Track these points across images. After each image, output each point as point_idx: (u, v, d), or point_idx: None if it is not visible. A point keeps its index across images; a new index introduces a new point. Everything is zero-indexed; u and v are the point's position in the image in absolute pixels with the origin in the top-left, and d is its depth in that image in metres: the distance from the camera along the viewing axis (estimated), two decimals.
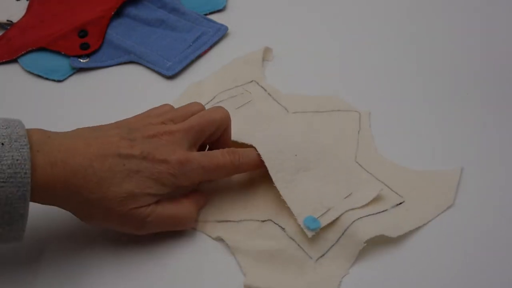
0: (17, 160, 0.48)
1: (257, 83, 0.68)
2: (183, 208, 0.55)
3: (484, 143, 0.61)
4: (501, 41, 0.71)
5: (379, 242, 0.54)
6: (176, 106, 0.61)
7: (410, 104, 0.65)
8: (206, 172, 0.55)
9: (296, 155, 0.58)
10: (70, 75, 0.72)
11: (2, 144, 0.48)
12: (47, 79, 0.72)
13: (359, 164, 0.60)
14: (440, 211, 0.56)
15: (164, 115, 0.57)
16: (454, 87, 0.67)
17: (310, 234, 0.53)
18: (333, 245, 0.53)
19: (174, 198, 0.55)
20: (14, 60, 0.74)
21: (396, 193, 0.57)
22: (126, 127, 0.55)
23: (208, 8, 0.78)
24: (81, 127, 0.66)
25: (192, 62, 0.72)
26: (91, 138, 0.53)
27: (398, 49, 0.72)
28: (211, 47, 0.74)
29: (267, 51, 0.72)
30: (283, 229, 0.55)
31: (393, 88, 0.67)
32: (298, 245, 0.54)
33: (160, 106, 0.59)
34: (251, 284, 0.52)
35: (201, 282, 0.53)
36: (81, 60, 0.73)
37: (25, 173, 0.48)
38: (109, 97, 0.70)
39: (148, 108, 0.66)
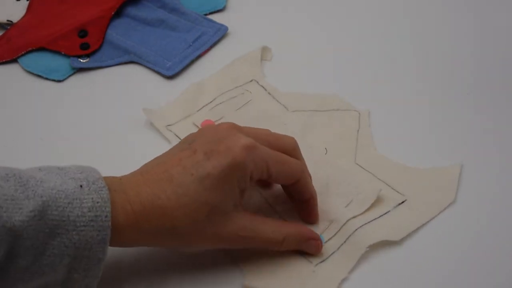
0: (97, 202, 0.46)
1: (257, 82, 0.68)
2: (273, 230, 0.52)
3: (483, 140, 0.61)
4: (501, 40, 0.71)
5: (381, 243, 0.54)
6: (175, 106, 0.61)
7: (410, 103, 0.65)
8: (274, 163, 0.51)
9: None
10: (70, 75, 0.72)
11: (81, 186, 0.46)
12: (47, 79, 0.72)
13: (359, 165, 0.60)
14: (442, 208, 0.56)
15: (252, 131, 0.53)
16: (453, 85, 0.67)
17: None
18: (334, 252, 0.54)
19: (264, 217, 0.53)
20: (14, 60, 0.74)
21: (398, 191, 0.57)
22: (188, 140, 0.52)
23: (208, 8, 0.78)
24: (81, 127, 0.67)
25: (192, 62, 0.72)
26: (156, 165, 0.51)
27: (397, 47, 0.72)
28: (211, 47, 0.74)
29: (265, 50, 0.72)
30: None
31: (393, 87, 0.67)
32: (299, 252, 0.54)
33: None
34: (251, 284, 0.52)
35: (201, 282, 0.53)
36: (81, 60, 0.73)
37: (106, 216, 0.46)
38: (109, 97, 0.70)
39: (147, 107, 0.66)
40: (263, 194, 0.58)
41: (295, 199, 0.55)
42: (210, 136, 0.51)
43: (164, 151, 0.56)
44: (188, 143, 0.52)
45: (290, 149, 0.54)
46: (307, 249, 0.53)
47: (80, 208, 0.45)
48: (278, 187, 0.57)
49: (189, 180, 0.48)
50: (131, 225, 0.48)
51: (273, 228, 0.52)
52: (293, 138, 0.55)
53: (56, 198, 0.45)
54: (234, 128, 0.52)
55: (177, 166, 0.49)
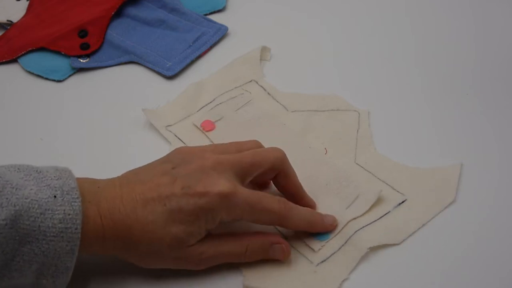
0: (68, 215, 0.47)
1: (257, 83, 0.68)
2: (234, 244, 0.52)
3: (483, 140, 0.61)
4: (500, 40, 0.71)
5: (381, 244, 0.54)
6: (175, 106, 0.61)
7: (409, 103, 0.65)
8: (251, 210, 0.51)
9: None
10: (70, 75, 0.72)
11: (55, 196, 0.47)
12: (47, 79, 0.72)
13: (359, 165, 0.60)
14: (442, 208, 0.56)
15: (219, 148, 0.54)
16: (453, 85, 0.67)
17: (319, 245, 0.54)
18: (335, 252, 0.54)
19: (224, 233, 0.53)
20: (14, 60, 0.74)
21: (398, 191, 0.57)
22: (174, 161, 0.52)
23: (208, 8, 0.78)
24: (81, 127, 0.67)
25: (192, 62, 0.72)
26: (136, 182, 0.51)
27: (397, 47, 0.72)
28: (211, 47, 0.74)
29: (264, 50, 0.72)
30: (286, 237, 0.55)
31: (393, 87, 0.67)
32: (300, 252, 0.54)
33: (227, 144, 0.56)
34: (251, 284, 0.52)
35: (201, 282, 0.53)
36: (81, 60, 0.73)
37: (76, 228, 0.47)
38: (109, 97, 0.70)
39: (147, 107, 0.66)
40: None
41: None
42: (193, 168, 0.51)
43: (164, 152, 0.56)
44: (171, 165, 0.52)
45: (278, 164, 0.54)
46: (273, 254, 0.53)
47: (52, 219, 0.46)
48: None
49: (161, 209, 0.49)
50: (99, 237, 0.49)
51: (234, 242, 0.52)
52: (280, 152, 0.54)
53: (29, 208, 0.46)
54: (219, 164, 0.51)
55: (153, 192, 0.50)
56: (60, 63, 0.73)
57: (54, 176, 0.48)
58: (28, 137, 0.66)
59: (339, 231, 0.54)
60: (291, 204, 0.53)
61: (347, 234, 0.54)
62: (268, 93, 0.67)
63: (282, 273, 0.53)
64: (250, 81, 0.68)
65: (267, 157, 0.53)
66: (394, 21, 0.75)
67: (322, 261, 0.53)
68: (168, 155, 0.54)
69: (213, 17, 0.77)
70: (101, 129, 0.67)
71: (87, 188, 0.49)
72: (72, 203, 0.47)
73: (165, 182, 0.50)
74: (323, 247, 0.54)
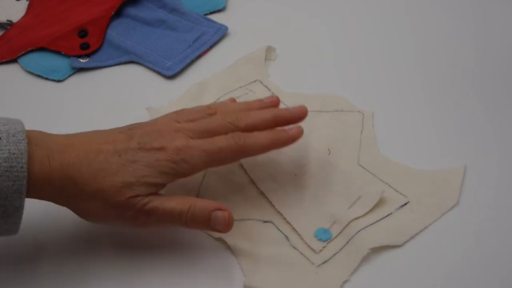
0: (13, 154, 0.48)
1: (261, 82, 0.68)
2: (178, 202, 0.52)
3: (487, 142, 0.61)
4: (501, 41, 0.71)
5: (383, 246, 0.54)
6: (178, 105, 0.61)
7: (413, 105, 0.65)
8: (209, 156, 0.52)
9: (296, 175, 0.59)
10: (70, 75, 0.72)
11: (0, 138, 0.48)
12: (47, 79, 0.72)
13: (362, 166, 0.60)
14: (445, 211, 0.56)
15: (182, 118, 0.55)
16: (456, 87, 0.67)
17: (320, 246, 0.54)
18: (336, 253, 0.54)
19: (172, 195, 0.53)
20: (14, 60, 0.74)
21: (401, 193, 0.57)
22: (129, 125, 0.55)
23: (208, 8, 0.78)
24: (81, 127, 0.66)
25: (192, 62, 0.72)
26: (90, 135, 0.53)
27: (401, 49, 0.72)
28: (211, 47, 0.74)
29: (269, 50, 0.72)
30: (287, 237, 0.55)
31: (396, 88, 0.67)
32: (301, 253, 0.54)
33: (194, 110, 0.57)
34: (251, 284, 0.52)
35: (201, 282, 0.53)
36: (81, 60, 0.73)
37: (22, 167, 0.48)
38: (109, 97, 0.70)
39: (147, 108, 0.66)
40: (248, 174, 0.59)
41: None
42: (150, 128, 0.53)
43: None
44: (128, 128, 0.54)
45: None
46: (215, 222, 0.52)
47: None
48: (265, 166, 0.58)
49: (115, 160, 0.51)
50: (46, 180, 0.50)
51: (178, 200, 0.52)
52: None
53: None
54: (174, 121, 0.54)
55: (109, 144, 0.52)
56: (60, 63, 0.73)
57: (2, 123, 0.49)
58: None
59: (341, 231, 0.55)
60: (244, 134, 0.54)
61: (349, 235, 0.54)
62: (273, 93, 0.67)
63: (283, 274, 0.53)
64: (255, 81, 0.68)
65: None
66: (395, 22, 0.75)
67: (323, 262, 0.53)
68: (130, 125, 0.55)
69: (213, 17, 0.77)
70: (101, 129, 0.66)
71: (37, 135, 0.51)
72: (18, 144, 0.48)
73: (121, 138, 0.52)
74: (324, 248, 0.54)
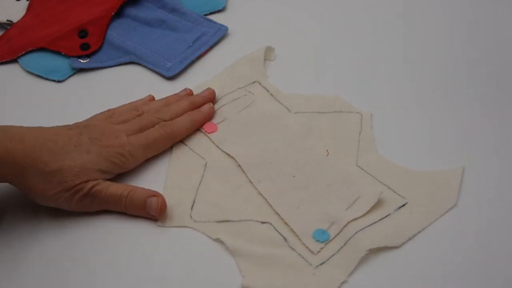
0: None
1: (260, 84, 0.68)
2: (120, 187, 0.58)
3: (485, 143, 0.61)
4: (501, 41, 0.71)
5: (381, 247, 0.54)
6: None
7: (412, 106, 0.65)
8: (146, 147, 0.61)
9: (294, 176, 0.59)
10: (70, 75, 0.72)
11: None
12: (47, 79, 0.72)
13: (360, 167, 0.60)
14: (443, 212, 0.56)
15: (115, 119, 0.62)
16: (455, 88, 0.67)
17: (318, 247, 0.54)
18: (334, 254, 0.54)
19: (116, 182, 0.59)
20: (14, 60, 0.74)
21: (399, 194, 0.57)
22: (74, 124, 0.61)
23: (208, 8, 0.78)
24: None
25: (192, 62, 0.72)
26: (43, 129, 0.58)
27: (400, 50, 0.72)
28: (211, 48, 0.74)
29: (268, 50, 0.71)
30: (285, 238, 0.55)
31: (395, 89, 0.67)
32: (299, 254, 0.54)
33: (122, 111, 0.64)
34: (249, 285, 0.52)
35: (199, 282, 0.53)
36: (81, 61, 0.73)
37: None
38: (109, 97, 0.69)
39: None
40: (246, 174, 0.60)
41: None
42: (97, 128, 0.60)
43: (166, 153, 0.59)
44: (75, 126, 0.60)
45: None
46: (149, 207, 0.57)
47: None
48: (263, 167, 0.59)
49: (72, 149, 0.57)
50: (8, 158, 0.54)
51: (120, 186, 0.58)
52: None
53: None
54: (110, 123, 0.61)
55: (64, 137, 0.58)
56: (60, 63, 0.73)
57: None
58: None
59: (339, 232, 0.55)
60: (169, 123, 0.63)
61: (347, 236, 0.54)
62: (271, 94, 0.67)
63: (281, 275, 0.53)
64: (254, 82, 0.68)
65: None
66: (395, 22, 0.75)
67: (321, 263, 0.53)
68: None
69: (213, 17, 0.77)
70: None
71: None
72: None
73: (73, 134, 0.59)
74: (322, 249, 0.54)
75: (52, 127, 0.59)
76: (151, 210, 0.57)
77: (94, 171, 0.57)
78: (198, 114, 0.64)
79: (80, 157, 0.57)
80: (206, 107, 0.65)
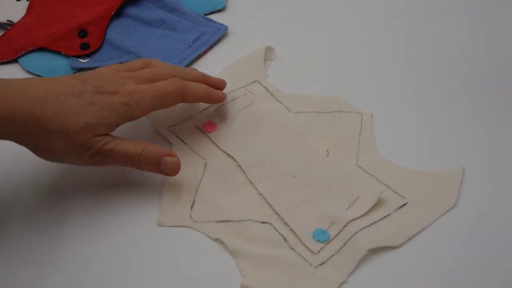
0: None
1: (260, 83, 0.68)
2: (137, 149, 0.57)
3: (486, 144, 0.61)
4: (502, 41, 0.71)
5: (381, 247, 0.54)
6: (177, 107, 0.62)
7: (412, 106, 0.65)
8: (155, 99, 0.58)
9: (294, 176, 0.59)
10: None
11: None
12: None
13: (360, 167, 0.60)
14: (443, 212, 0.56)
15: (123, 68, 0.60)
16: (456, 88, 0.67)
17: (318, 247, 0.54)
18: (334, 254, 0.54)
19: (126, 137, 0.58)
20: (14, 60, 0.74)
21: (399, 194, 0.57)
22: (78, 73, 0.57)
23: (208, 8, 0.78)
24: None
25: (192, 62, 0.72)
26: (44, 79, 0.56)
27: (401, 50, 0.71)
28: (211, 47, 0.74)
29: (269, 50, 0.71)
30: (285, 238, 0.55)
31: (395, 89, 0.67)
32: (299, 254, 0.54)
33: (130, 63, 0.62)
34: (249, 285, 0.52)
35: (199, 282, 0.53)
36: (81, 60, 0.73)
37: None
38: None
39: None
40: (246, 174, 0.60)
41: None
42: (102, 76, 0.57)
43: None
44: (78, 74, 0.58)
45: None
46: (165, 165, 0.57)
47: None
48: (263, 167, 0.59)
49: (74, 101, 0.54)
50: (10, 117, 0.52)
51: (132, 143, 0.57)
52: (169, 67, 0.62)
53: None
54: (116, 71, 0.58)
55: (66, 87, 0.55)
56: (60, 63, 0.73)
57: None
58: None
59: (339, 232, 0.55)
60: (185, 81, 0.60)
61: (347, 235, 0.54)
62: (271, 94, 0.67)
63: (281, 275, 0.53)
64: (254, 81, 0.68)
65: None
66: (395, 22, 0.75)
67: (321, 264, 0.53)
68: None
69: (213, 17, 0.77)
70: None
71: None
72: None
73: (75, 82, 0.56)
74: (322, 249, 0.54)
75: (56, 77, 0.57)
76: (166, 169, 0.57)
77: (100, 125, 0.55)
78: (213, 92, 0.63)
79: (83, 110, 0.54)
80: (220, 92, 0.64)
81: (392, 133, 0.63)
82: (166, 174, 0.58)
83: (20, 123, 0.53)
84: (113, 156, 0.56)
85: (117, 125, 0.57)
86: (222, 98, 0.63)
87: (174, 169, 0.57)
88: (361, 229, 0.54)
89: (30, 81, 0.55)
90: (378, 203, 0.56)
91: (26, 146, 0.55)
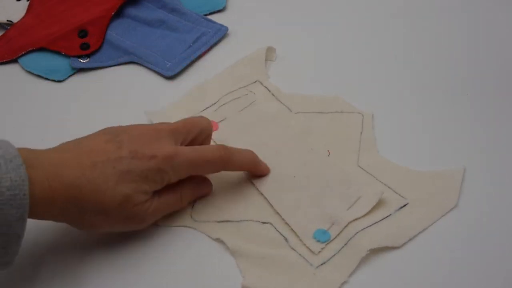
0: (15, 181, 0.47)
1: (261, 83, 0.68)
2: (176, 196, 0.56)
3: (486, 144, 0.61)
4: (501, 41, 0.71)
5: (381, 247, 0.54)
6: (178, 107, 0.62)
7: (413, 106, 0.65)
8: (194, 166, 0.55)
9: (295, 176, 0.59)
10: (70, 75, 0.72)
11: None
12: (47, 79, 0.72)
13: (361, 168, 0.59)
14: (444, 212, 0.56)
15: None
16: (456, 88, 0.67)
17: (319, 247, 0.54)
18: (335, 254, 0.54)
19: (169, 188, 0.55)
20: (14, 60, 0.74)
21: (400, 195, 0.57)
22: (113, 132, 0.54)
23: (208, 8, 0.78)
24: (81, 127, 0.67)
25: (192, 62, 0.72)
26: (77, 149, 0.53)
27: (401, 50, 0.71)
28: (211, 48, 0.74)
29: (270, 50, 0.71)
30: (285, 238, 0.55)
31: (396, 90, 0.67)
32: (300, 254, 0.54)
33: None
34: (250, 285, 0.52)
35: (199, 282, 0.53)
36: (81, 61, 0.73)
37: (24, 194, 0.47)
38: (109, 97, 0.70)
39: (147, 109, 0.66)
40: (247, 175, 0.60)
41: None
42: (137, 135, 0.54)
43: None
44: (114, 135, 0.54)
45: (207, 128, 0.58)
46: (201, 192, 0.58)
47: None
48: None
49: (110, 171, 0.51)
50: (48, 201, 0.49)
51: (169, 193, 0.55)
52: (207, 120, 0.59)
53: None
54: (158, 131, 0.55)
55: (101, 156, 0.52)
56: (60, 63, 0.73)
57: None
58: (29, 137, 0.66)
59: (340, 232, 0.55)
60: (230, 148, 0.56)
61: (348, 236, 0.54)
62: (272, 94, 0.67)
63: (282, 275, 0.53)
64: (255, 81, 0.68)
65: (199, 121, 0.57)
66: (395, 23, 0.75)
67: (322, 264, 0.53)
68: (104, 130, 0.55)
69: (213, 17, 0.77)
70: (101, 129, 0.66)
71: (28, 155, 0.49)
72: (17, 170, 0.47)
73: (111, 149, 0.52)
74: (323, 250, 0.54)
75: (90, 139, 0.54)
76: (202, 194, 0.58)
77: (137, 196, 0.52)
78: (259, 163, 0.59)
79: (120, 181, 0.51)
80: (267, 167, 0.60)
81: (393, 133, 0.63)
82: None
83: (59, 206, 0.50)
84: (158, 214, 0.55)
85: (154, 191, 0.54)
86: (266, 172, 0.59)
87: (209, 191, 0.58)
88: (361, 230, 0.54)
89: (66, 155, 0.52)
90: (379, 204, 0.56)
91: (69, 223, 0.53)
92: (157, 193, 0.54)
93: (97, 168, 0.51)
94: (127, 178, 0.51)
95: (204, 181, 0.58)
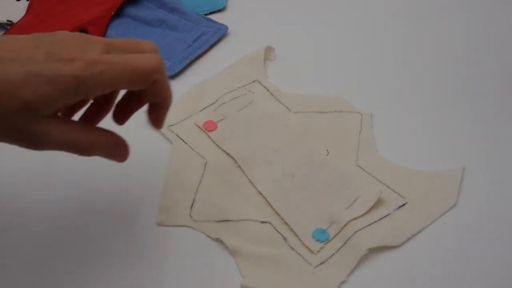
0: None
1: (260, 83, 0.68)
2: (84, 134, 0.47)
3: (485, 143, 0.61)
4: (501, 41, 0.71)
5: (380, 247, 0.54)
6: (177, 106, 0.61)
7: (412, 105, 0.65)
8: (120, 76, 0.45)
9: (294, 176, 0.59)
10: None
11: None
12: None
13: (360, 167, 0.60)
14: (443, 212, 0.56)
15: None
16: (456, 88, 0.67)
17: (318, 247, 0.54)
18: (334, 254, 0.54)
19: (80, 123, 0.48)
20: None
21: (399, 194, 0.57)
22: (41, 35, 0.46)
23: (208, 8, 0.78)
24: None
25: (192, 62, 0.72)
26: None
27: (401, 50, 0.72)
28: (211, 47, 0.74)
29: (269, 50, 0.72)
30: (284, 238, 0.55)
31: (395, 89, 0.67)
32: (299, 254, 0.54)
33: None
34: (249, 285, 0.52)
35: (199, 282, 0.53)
36: None
37: None
38: None
39: (146, 108, 0.66)
40: (246, 174, 0.60)
41: (146, 100, 0.51)
42: (62, 39, 0.45)
43: (166, 152, 0.57)
44: (38, 36, 0.46)
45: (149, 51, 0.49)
46: (115, 155, 0.49)
47: None
48: (263, 167, 0.59)
49: (16, 70, 0.43)
50: None
51: (81, 134, 0.46)
52: (152, 43, 0.49)
53: None
54: (95, 40, 0.46)
55: (12, 53, 0.43)
56: None
57: None
58: None
59: (339, 232, 0.55)
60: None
61: (347, 235, 0.54)
62: (271, 94, 0.67)
63: (281, 274, 0.53)
64: (254, 81, 0.68)
65: (143, 44, 0.49)
66: (395, 23, 0.75)
67: (321, 263, 0.53)
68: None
69: (213, 17, 0.77)
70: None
71: None
72: None
73: (27, 47, 0.44)
74: (322, 249, 0.54)
75: (15, 36, 0.45)
76: (113, 158, 0.50)
77: (40, 105, 0.43)
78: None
79: (23, 85, 0.43)
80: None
81: (392, 133, 0.63)
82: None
83: None
84: (56, 145, 0.46)
85: (65, 105, 0.45)
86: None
87: (122, 159, 0.50)
88: (360, 229, 0.54)
89: None
90: (378, 203, 0.56)
91: None
92: (65, 116, 0.49)
93: (1, 63, 0.43)
94: (33, 82, 0.43)
95: (123, 145, 0.50)
